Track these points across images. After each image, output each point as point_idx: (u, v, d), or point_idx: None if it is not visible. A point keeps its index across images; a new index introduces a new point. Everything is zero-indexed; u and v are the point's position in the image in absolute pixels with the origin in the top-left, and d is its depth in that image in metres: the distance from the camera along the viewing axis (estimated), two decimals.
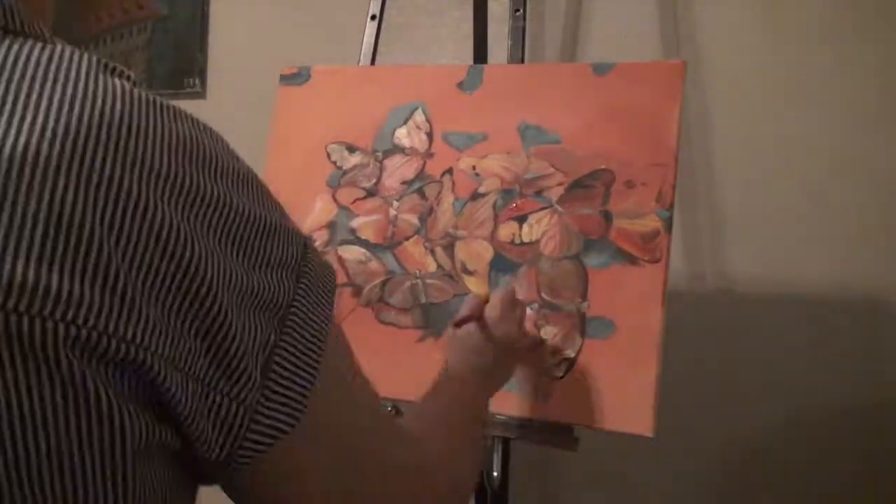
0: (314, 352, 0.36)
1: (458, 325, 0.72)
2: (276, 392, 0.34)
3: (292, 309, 0.35)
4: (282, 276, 0.35)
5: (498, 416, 0.81)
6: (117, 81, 0.31)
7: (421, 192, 0.92)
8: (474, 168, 0.90)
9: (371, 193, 0.95)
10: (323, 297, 0.37)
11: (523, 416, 0.80)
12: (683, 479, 1.23)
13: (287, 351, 0.35)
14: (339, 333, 0.41)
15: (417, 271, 0.90)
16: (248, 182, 0.35)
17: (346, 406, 0.41)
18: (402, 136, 0.95)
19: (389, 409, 0.86)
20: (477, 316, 0.72)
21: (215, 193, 0.32)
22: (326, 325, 0.37)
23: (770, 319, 1.18)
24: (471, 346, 0.71)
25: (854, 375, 1.14)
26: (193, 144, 0.32)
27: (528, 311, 0.83)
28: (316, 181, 0.98)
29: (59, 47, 0.31)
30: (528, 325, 0.83)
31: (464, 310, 0.73)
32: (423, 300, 0.89)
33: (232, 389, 0.32)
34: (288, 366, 0.35)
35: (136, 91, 0.31)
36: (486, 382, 0.70)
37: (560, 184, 0.86)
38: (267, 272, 0.34)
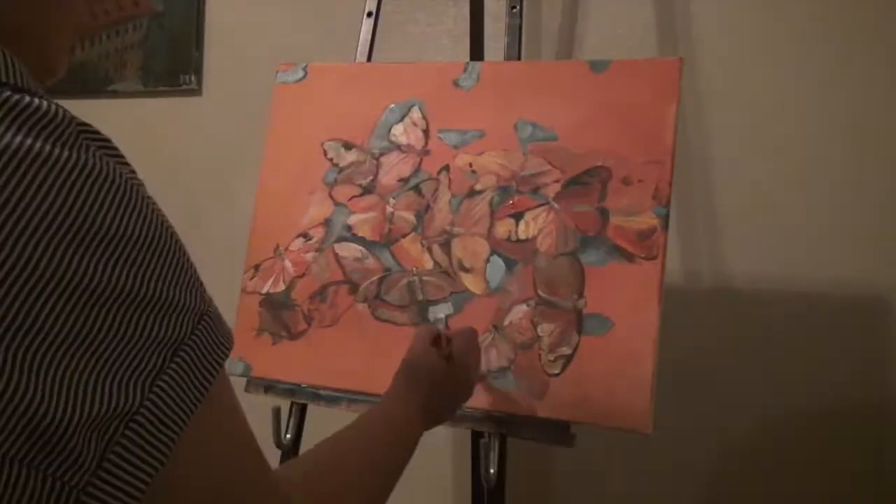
0: (165, 438, 0.33)
1: (437, 344, 0.69)
2: (112, 475, 0.31)
3: (155, 386, 0.33)
4: (147, 351, 0.33)
5: (495, 414, 0.81)
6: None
7: (417, 190, 0.92)
8: (471, 165, 0.90)
9: (368, 191, 0.95)
10: (196, 375, 0.35)
11: (520, 413, 0.80)
12: (679, 476, 1.23)
13: (135, 432, 0.32)
14: (218, 403, 0.37)
15: (414, 268, 0.90)
16: (137, 251, 0.32)
17: (209, 481, 0.38)
18: (399, 133, 0.95)
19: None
20: (447, 340, 0.70)
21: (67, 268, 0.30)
22: (190, 408, 0.34)
23: (766, 317, 1.19)
24: (437, 374, 0.67)
25: (852, 375, 1.14)
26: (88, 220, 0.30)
27: (524, 307, 0.83)
28: (312, 178, 0.98)
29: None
30: (525, 322, 0.83)
31: (449, 333, 0.71)
32: (420, 297, 0.89)
33: (58, 470, 0.30)
34: (131, 447, 0.32)
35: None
36: (429, 421, 0.67)
37: (557, 181, 0.86)
38: (127, 346, 0.32)
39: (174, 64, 1.59)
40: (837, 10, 1.15)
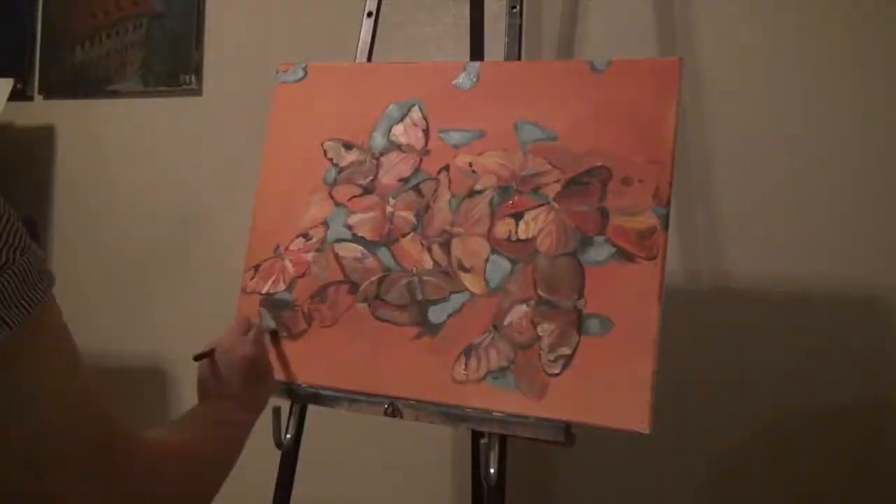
0: None
1: (195, 359, 0.81)
2: None
3: None
4: None
5: (495, 414, 0.81)
6: None
7: (417, 190, 0.92)
8: (471, 165, 0.90)
9: (368, 191, 0.95)
10: (23, 291, 0.41)
11: (520, 412, 0.80)
12: (678, 476, 1.23)
13: None
14: (47, 323, 0.44)
15: (414, 268, 0.90)
16: None
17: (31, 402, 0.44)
18: (399, 133, 0.95)
19: (386, 406, 0.86)
20: (209, 352, 0.81)
21: None
22: (18, 317, 0.41)
23: (766, 317, 1.19)
24: (211, 379, 0.80)
25: (852, 374, 1.14)
26: None
27: (524, 307, 0.83)
28: (312, 178, 0.98)
29: None
30: (525, 322, 0.83)
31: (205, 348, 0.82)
32: (420, 297, 0.89)
33: None
34: None
35: None
36: (242, 404, 0.79)
37: (557, 181, 0.86)
38: None
39: (174, 64, 1.59)
40: (839, 9, 1.15)
